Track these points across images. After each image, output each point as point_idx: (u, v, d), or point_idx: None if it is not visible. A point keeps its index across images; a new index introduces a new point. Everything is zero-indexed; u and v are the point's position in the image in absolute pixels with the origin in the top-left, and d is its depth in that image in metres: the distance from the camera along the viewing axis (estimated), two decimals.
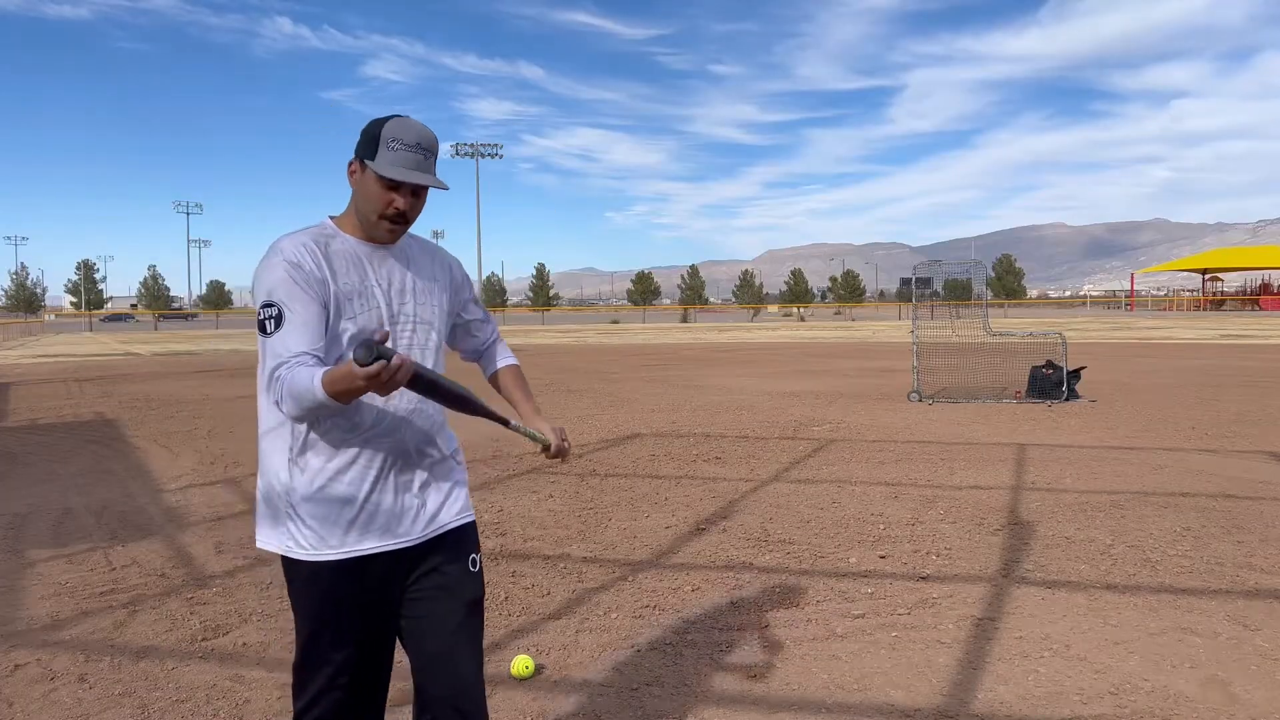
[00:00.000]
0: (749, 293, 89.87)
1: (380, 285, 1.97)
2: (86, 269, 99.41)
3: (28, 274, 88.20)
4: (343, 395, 1.70)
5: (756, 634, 3.67)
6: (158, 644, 3.63)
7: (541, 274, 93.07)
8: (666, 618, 3.86)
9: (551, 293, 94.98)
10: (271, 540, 1.98)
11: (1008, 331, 13.95)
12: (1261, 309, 66.11)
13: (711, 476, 6.87)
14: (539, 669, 3.34)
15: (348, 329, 1.91)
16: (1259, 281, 78.50)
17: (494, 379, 2.31)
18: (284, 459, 1.94)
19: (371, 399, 1.90)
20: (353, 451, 1.92)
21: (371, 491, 1.94)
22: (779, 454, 7.78)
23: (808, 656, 3.44)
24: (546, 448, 2.15)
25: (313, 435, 1.91)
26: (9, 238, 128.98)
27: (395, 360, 1.61)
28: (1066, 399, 10.97)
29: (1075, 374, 11.37)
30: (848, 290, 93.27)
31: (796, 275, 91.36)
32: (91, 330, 61.42)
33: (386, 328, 1.95)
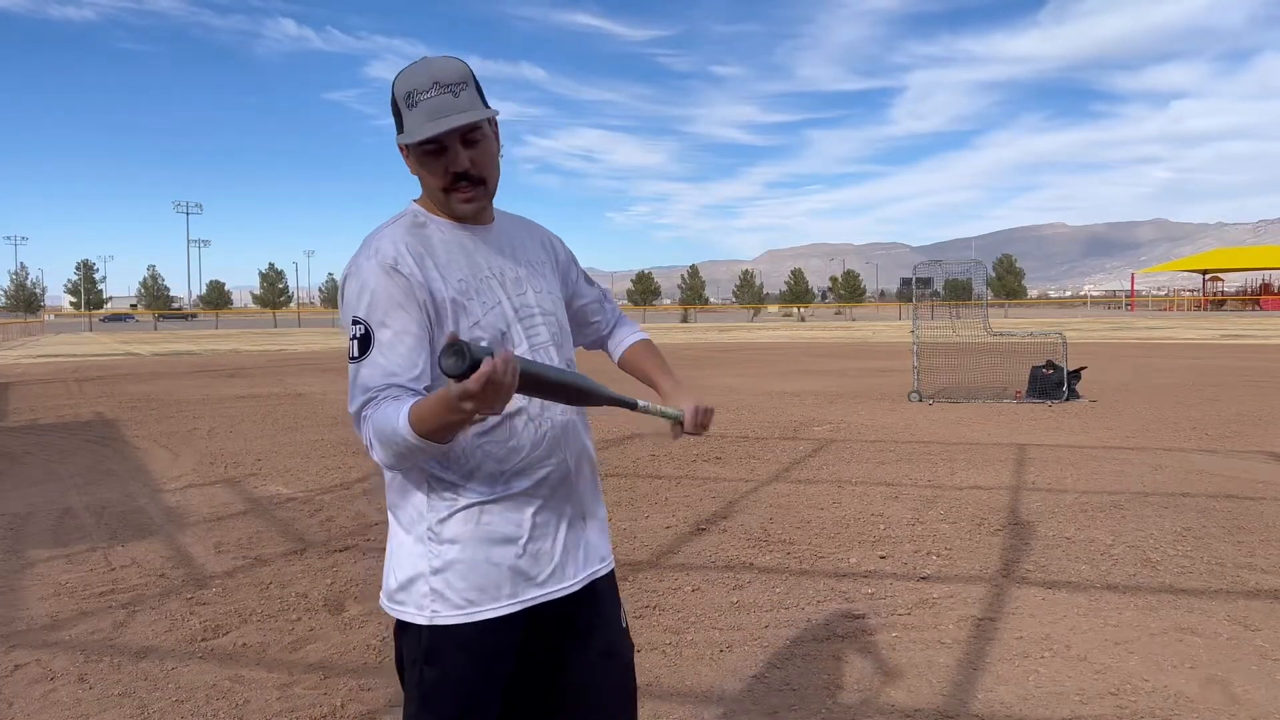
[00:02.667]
0: (749, 293, 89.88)
1: (495, 276, 1.63)
2: (86, 269, 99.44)
3: (27, 274, 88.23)
4: (440, 432, 1.35)
5: (757, 634, 3.66)
6: (157, 644, 3.62)
7: None
8: (666, 618, 3.86)
9: None
10: (409, 604, 1.57)
11: (1008, 331, 13.95)
12: (1262, 309, 66.09)
13: (711, 476, 6.87)
14: None
15: (479, 336, 1.55)
16: (1259, 281, 78.51)
17: (623, 362, 1.94)
18: (423, 498, 1.57)
19: (526, 411, 1.58)
20: (512, 482, 1.57)
21: (534, 527, 1.59)
22: (779, 454, 7.77)
23: (808, 656, 3.43)
24: (680, 423, 1.74)
25: (460, 470, 1.56)
26: (9, 238, 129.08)
27: (501, 356, 1.24)
28: (1067, 399, 10.96)
29: (1075, 374, 11.37)
30: (848, 290, 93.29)
31: (797, 275, 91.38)
32: (91, 330, 61.43)
33: (515, 324, 1.62)
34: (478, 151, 1.57)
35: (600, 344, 1.99)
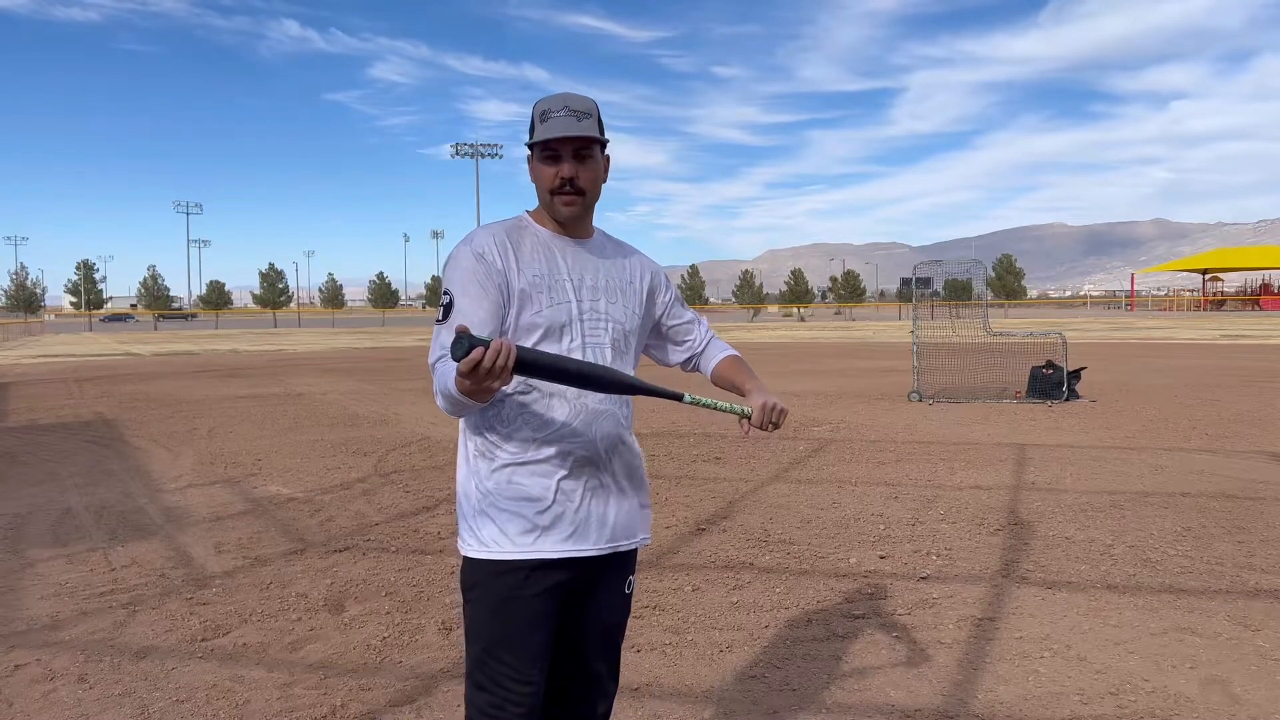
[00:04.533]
0: (749, 293, 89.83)
1: (571, 280, 1.90)
2: (86, 269, 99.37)
3: (27, 274, 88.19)
4: (472, 394, 1.62)
5: (757, 634, 3.66)
6: (158, 644, 3.62)
7: None
8: (666, 618, 3.86)
9: None
10: (461, 540, 1.92)
11: (1008, 331, 13.95)
12: (1262, 309, 66.08)
13: (711, 476, 6.87)
14: None
15: (537, 323, 1.85)
16: (1259, 281, 78.48)
17: (715, 376, 2.13)
18: (475, 452, 1.89)
19: (564, 394, 1.84)
20: (542, 449, 1.85)
21: (558, 493, 1.86)
22: (779, 454, 7.77)
23: (808, 656, 3.43)
24: (746, 417, 1.89)
25: (502, 431, 1.86)
26: (9, 238, 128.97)
27: (491, 347, 1.53)
28: (1067, 399, 10.97)
29: (1075, 374, 11.37)
30: (848, 290, 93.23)
31: (797, 275, 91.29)
32: (91, 330, 61.41)
33: (577, 323, 1.88)
34: (585, 167, 1.87)
35: (695, 363, 2.17)
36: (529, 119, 1.90)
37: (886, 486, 6.37)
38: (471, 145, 77.46)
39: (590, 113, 1.87)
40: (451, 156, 78.56)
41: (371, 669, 3.38)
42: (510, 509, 1.85)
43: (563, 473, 1.86)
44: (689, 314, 2.16)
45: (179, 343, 35.97)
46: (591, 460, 1.88)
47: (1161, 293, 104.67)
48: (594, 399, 1.87)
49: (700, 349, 2.16)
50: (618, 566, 1.99)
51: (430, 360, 1.80)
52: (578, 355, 1.87)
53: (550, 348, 1.84)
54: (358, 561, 4.72)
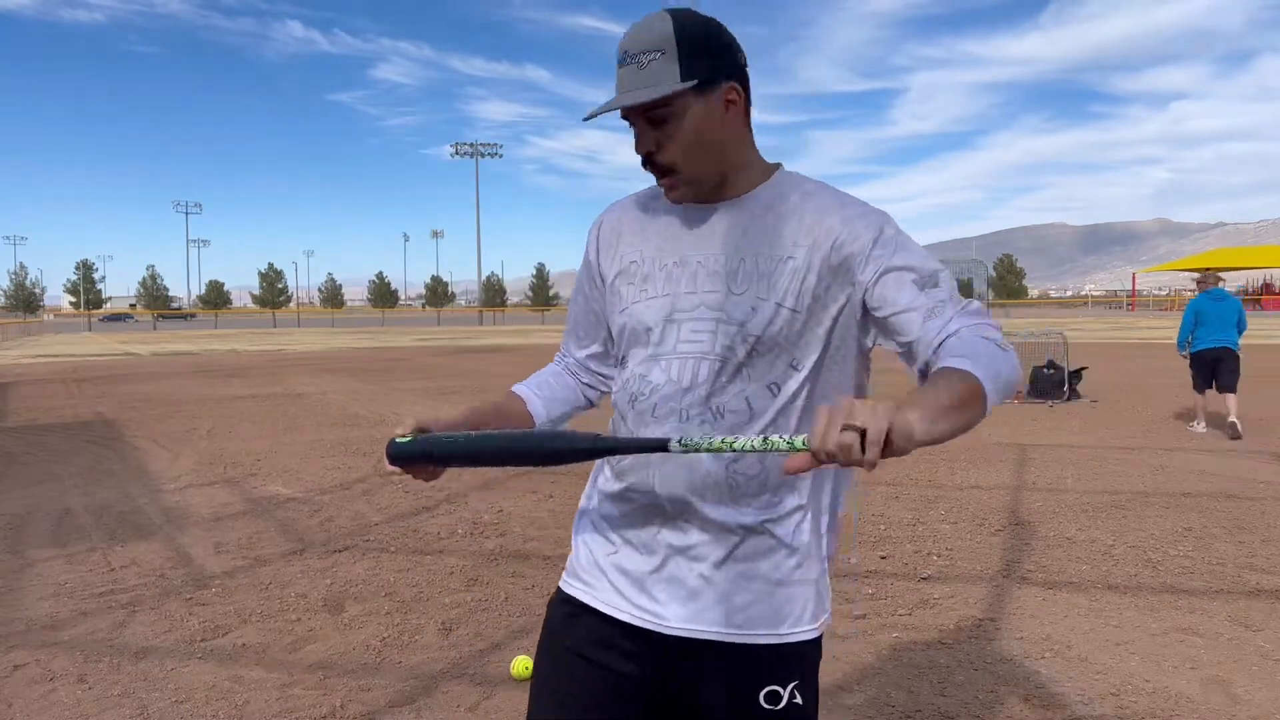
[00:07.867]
0: None
1: (684, 264, 1.33)
2: (85, 269, 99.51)
3: (27, 274, 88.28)
4: None
5: None
6: (157, 644, 3.62)
7: (541, 274, 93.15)
8: None
9: (551, 292, 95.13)
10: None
11: (1009, 331, 13.95)
12: (1263, 309, 66.09)
13: None
14: None
15: (622, 329, 1.39)
16: (1260, 281, 78.50)
17: None
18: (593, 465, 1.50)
19: (622, 413, 1.42)
20: (613, 482, 1.41)
21: (624, 534, 1.39)
22: None
23: None
24: (801, 450, 1.05)
25: None
26: (8, 238, 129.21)
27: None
28: (1068, 399, 10.97)
29: (1077, 374, 11.37)
30: None
31: None
32: (90, 330, 61.43)
33: (668, 325, 1.34)
34: (664, 133, 1.28)
35: (921, 371, 1.28)
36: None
37: (887, 486, 6.37)
38: (471, 145, 77.62)
39: (662, 48, 1.24)
40: (452, 156, 78.71)
41: (371, 669, 3.37)
42: (587, 537, 1.45)
43: (631, 510, 1.38)
44: (908, 297, 1.25)
45: (178, 343, 35.98)
46: (658, 513, 1.35)
47: (1163, 292, 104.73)
48: (662, 429, 1.35)
49: (930, 351, 1.22)
50: (740, 663, 1.33)
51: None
52: (652, 372, 1.35)
53: (633, 360, 1.40)
54: (357, 562, 4.72)
